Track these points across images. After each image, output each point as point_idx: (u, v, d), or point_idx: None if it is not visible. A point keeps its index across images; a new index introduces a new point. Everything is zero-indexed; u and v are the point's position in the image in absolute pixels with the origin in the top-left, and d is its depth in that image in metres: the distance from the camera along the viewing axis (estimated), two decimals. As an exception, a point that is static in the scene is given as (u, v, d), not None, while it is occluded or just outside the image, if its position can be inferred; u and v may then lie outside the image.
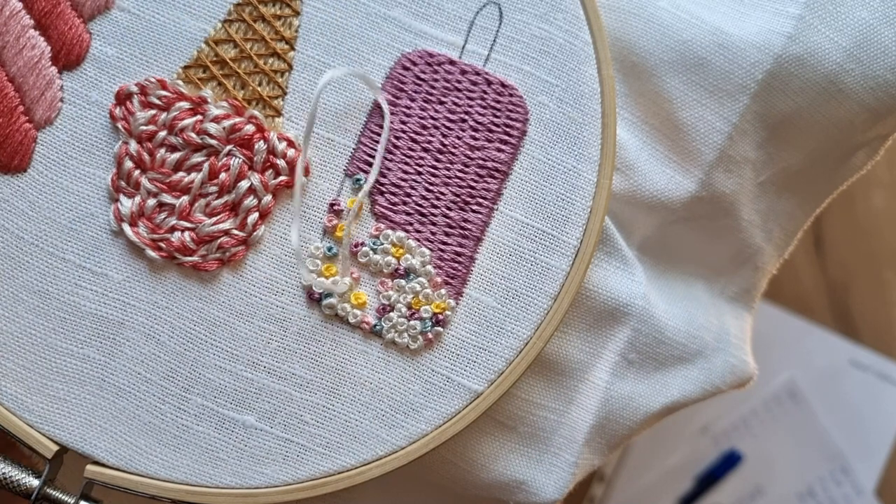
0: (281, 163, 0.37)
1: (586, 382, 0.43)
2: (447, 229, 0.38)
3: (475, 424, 0.38)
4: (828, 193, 0.47)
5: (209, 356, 0.37)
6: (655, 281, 0.45)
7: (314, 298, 0.37)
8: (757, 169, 0.44)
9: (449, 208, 0.38)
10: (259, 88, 0.38)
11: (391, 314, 0.38)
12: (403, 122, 0.38)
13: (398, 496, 0.44)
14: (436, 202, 0.38)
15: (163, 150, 0.37)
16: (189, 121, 0.37)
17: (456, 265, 0.38)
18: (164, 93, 0.37)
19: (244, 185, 0.37)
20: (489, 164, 0.39)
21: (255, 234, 0.38)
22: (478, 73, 0.39)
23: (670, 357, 0.45)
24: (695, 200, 0.43)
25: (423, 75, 0.39)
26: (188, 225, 0.37)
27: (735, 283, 0.47)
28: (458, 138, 0.39)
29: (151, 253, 0.37)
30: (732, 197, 0.44)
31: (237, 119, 0.37)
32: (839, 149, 0.45)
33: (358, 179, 0.38)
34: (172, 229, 0.37)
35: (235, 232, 0.37)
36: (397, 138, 0.38)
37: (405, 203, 0.38)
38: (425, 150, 0.38)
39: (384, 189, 0.38)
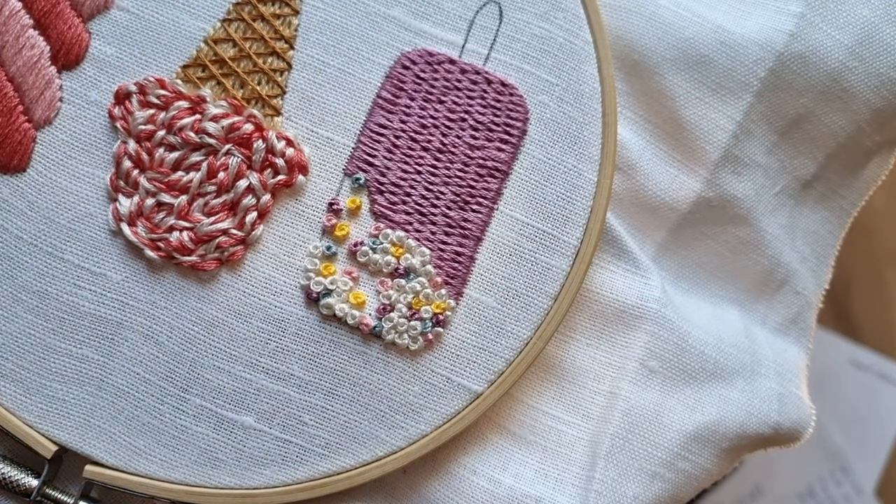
0: (280, 162, 0.37)
1: (603, 392, 0.41)
2: (447, 229, 0.38)
3: (488, 438, 0.38)
4: (848, 210, 0.46)
5: (207, 357, 0.37)
6: (680, 298, 0.44)
7: (312, 298, 0.37)
8: (770, 177, 0.44)
9: (449, 208, 0.38)
10: (258, 87, 0.38)
11: (392, 314, 0.37)
12: (403, 122, 0.38)
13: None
14: (435, 201, 0.38)
15: (161, 150, 0.37)
16: (188, 120, 0.37)
17: (456, 265, 0.38)
18: (162, 92, 0.37)
19: (243, 184, 0.37)
20: (489, 163, 0.38)
21: (253, 233, 0.37)
22: (478, 73, 0.39)
23: (701, 371, 0.42)
24: (702, 201, 0.43)
25: (422, 74, 0.38)
26: (187, 224, 0.37)
27: (776, 310, 0.46)
28: (458, 137, 0.38)
29: (150, 253, 0.37)
30: (747, 204, 0.43)
31: (236, 118, 0.37)
32: (850, 155, 0.44)
33: (357, 179, 0.38)
34: (171, 229, 0.37)
35: (234, 231, 0.37)
36: (397, 137, 0.38)
37: (405, 202, 0.38)
38: (425, 149, 0.38)
39: (384, 188, 0.38)
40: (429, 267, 0.38)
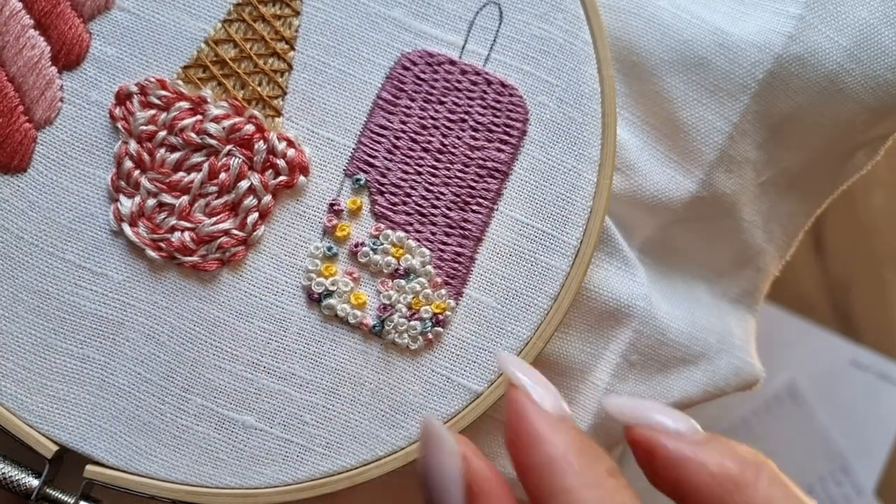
0: (281, 163, 0.37)
1: (587, 384, 0.43)
2: (447, 229, 0.38)
3: (476, 423, 0.38)
4: (828, 194, 0.47)
5: (209, 356, 0.37)
6: (657, 282, 0.45)
7: (314, 299, 0.37)
8: (758, 169, 0.44)
9: (449, 208, 0.38)
10: (259, 88, 0.38)
11: (392, 314, 0.38)
12: (403, 122, 0.38)
13: (399, 500, 0.43)
14: (436, 202, 0.38)
15: (163, 150, 0.37)
16: (189, 121, 0.37)
17: (456, 265, 0.38)
18: (163, 93, 0.37)
19: (244, 184, 0.37)
20: (489, 164, 0.39)
21: (254, 234, 0.37)
22: (478, 73, 0.39)
23: (673, 359, 0.44)
24: (696, 201, 0.43)
25: (423, 75, 0.39)
26: (188, 225, 0.37)
27: (737, 284, 0.47)
28: (458, 138, 0.38)
29: (151, 253, 0.37)
30: (734, 197, 0.44)
31: (237, 119, 0.37)
32: (839, 149, 0.45)
33: (358, 179, 0.38)
34: (172, 229, 0.37)
35: (235, 232, 0.37)
36: (397, 138, 0.38)
37: (405, 203, 0.38)
38: (425, 150, 0.38)
39: (384, 189, 0.38)
40: (429, 267, 0.38)
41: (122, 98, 0.38)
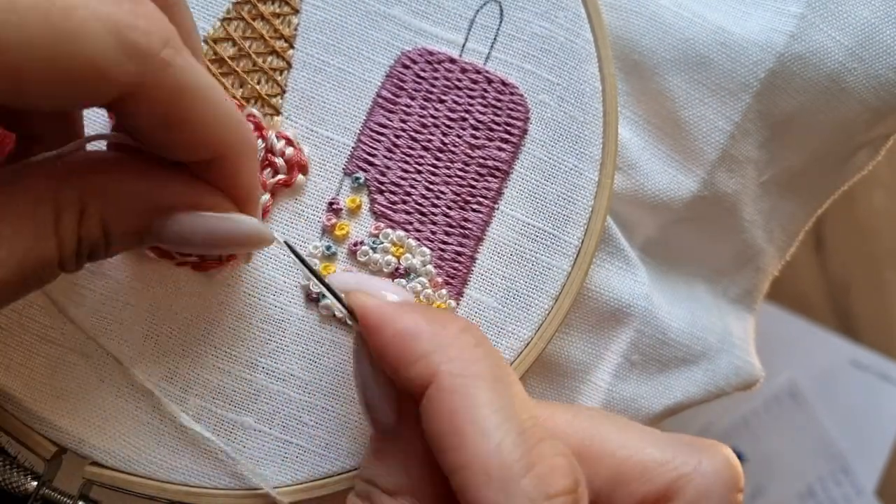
0: (279, 161, 0.37)
1: (588, 384, 0.43)
2: (447, 229, 0.38)
3: None
4: (830, 193, 0.47)
5: (208, 357, 0.37)
6: (658, 282, 0.45)
7: (312, 299, 0.37)
8: (759, 168, 0.44)
9: (449, 207, 0.38)
10: (258, 87, 0.38)
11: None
12: (403, 121, 0.38)
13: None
14: (436, 201, 0.38)
15: (161, 149, 0.37)
16: (187, 119, 0.37)
17: (456, 265, 0.38)
18: (162, 91, 0.37)
19: (243, 184, 0.37)
20: (490, 162, 0.38)
21: (253, 233, 0.37)
22: (478, 72, 0.39)
23: (673, 359, 0.44)
24: (697, 200, 0.43)
25: (423, 73, 0.38)
26: (187, 224, 0.37)
27: (737, 284, 0.47)
28: (459, 137, 0.38)
29: (150, 253, 0.37)
30: (735, 197, 0.44)
31: (236, 118, 0.37)
32: (841, 148, 0.45)
33: (357, 178, 0.38)
34: (171, 229, 0.37)
35: (234, 231, 0.37)
36: (397, 137, 0.38)
37: (405, 202, 0.38)
38: (425, 148, 0.38)
39: (384, 188, 0.38)
40: (429, 267, 0.38)
41: (121, 96, 0.37)
